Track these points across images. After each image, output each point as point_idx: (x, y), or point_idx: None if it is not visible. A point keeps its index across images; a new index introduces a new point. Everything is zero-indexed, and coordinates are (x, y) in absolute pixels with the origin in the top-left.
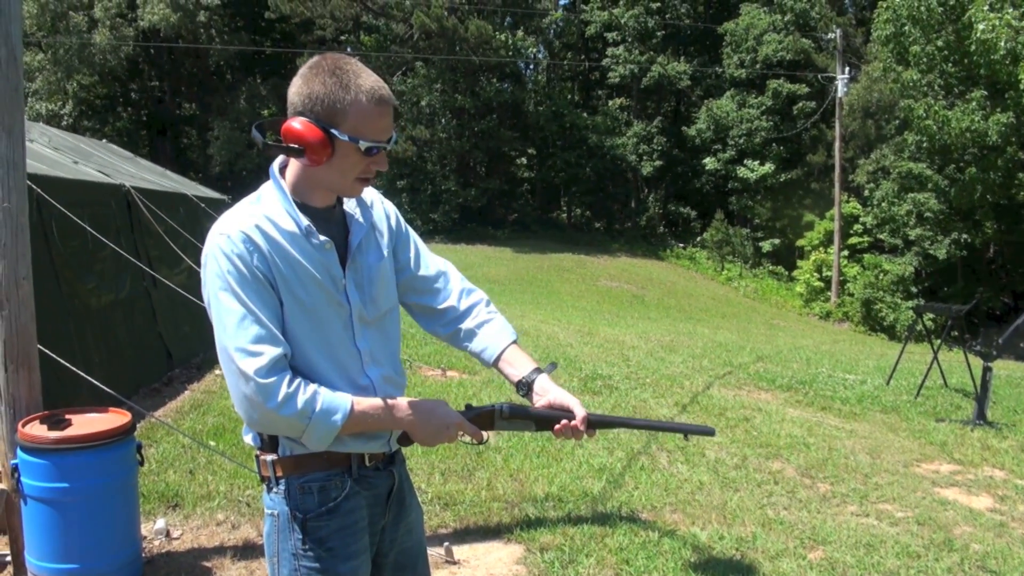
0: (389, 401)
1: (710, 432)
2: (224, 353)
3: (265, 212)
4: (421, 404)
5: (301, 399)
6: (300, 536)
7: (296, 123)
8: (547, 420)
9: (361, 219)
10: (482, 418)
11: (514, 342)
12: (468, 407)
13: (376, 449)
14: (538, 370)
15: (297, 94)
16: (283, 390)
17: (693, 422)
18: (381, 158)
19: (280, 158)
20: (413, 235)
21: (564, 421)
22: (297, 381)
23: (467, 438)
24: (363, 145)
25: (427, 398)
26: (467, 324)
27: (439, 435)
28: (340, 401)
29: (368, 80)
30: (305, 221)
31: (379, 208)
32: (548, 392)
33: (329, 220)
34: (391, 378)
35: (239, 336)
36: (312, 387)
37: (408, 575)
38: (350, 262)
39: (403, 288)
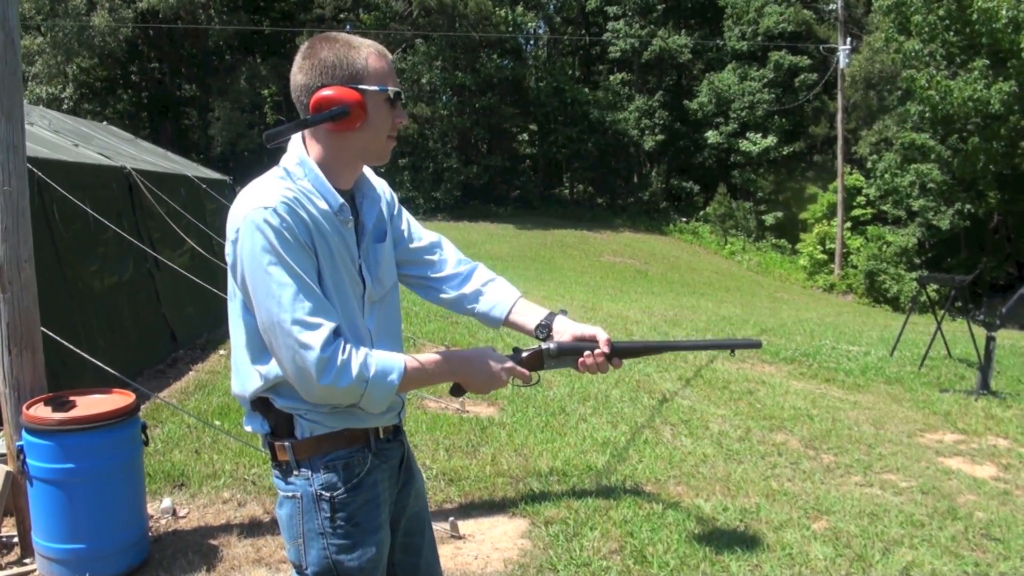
0: (442, 354)
1: (756, 344)
2: (278, 327)
3: (297, 187)
4: (471, 353)
5: (355, 365)
6: (328, 515)
7: (327, 91)
8: (587, 351)
9: (371, 200)
10: (531, 359)
11: (521, 296)
12: (516, 351)
13: (389, 422)
14: (553, 313)
15: (308, 72)
16: (339, 359)
17: (740, 337)
18: (401, 112)
19: (296, 141)
20: (403, 208)
21: (587, 353)
22: (349, 348)
23: (519, 381)
24: (391, 91)
25: (475, 347)
26: (470, 287)
27: (492, 381)
28: (394, 361)
29: (365, 39)
30: (340, 199)
31: (379, 186)
32: (568, 328)
33: (347, 202)
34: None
35: (297, 309)
36: (363, 351)
37: (418, 539)
38: (362, 243)
39: (400, 261)
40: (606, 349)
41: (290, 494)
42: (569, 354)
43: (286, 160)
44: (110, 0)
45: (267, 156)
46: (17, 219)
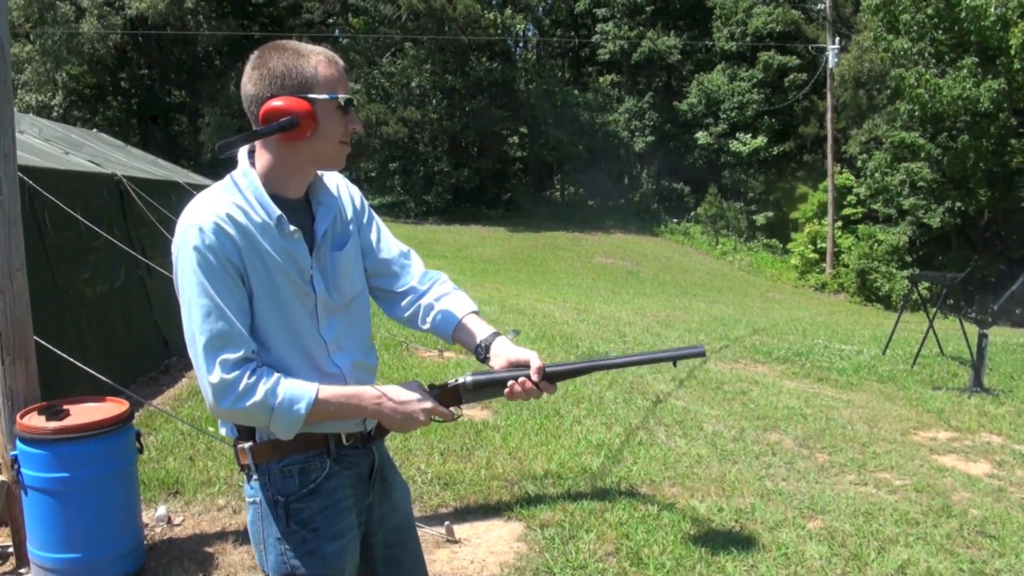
0: (356, 389)
1: (700, 353)
2: (192, 342)
3: (236, 201)
4: (389, 391)
5: (262, 389)
6: (284, 520)
7: (276, 101)
8: (512, 380)
9: (326, 207)
10: (447, 395)
11: (474, 312)
12: (431, 386)
13: (352, 429)
14: (496, 334)
15: (257, 82)
16: (243, 382)
17: (681, 347)
18: (355, 118)
19: (244, 150)
20: (376, 218)
21: (513, 382)
22: (259, 372)
23: (439, 418)
24: (342, 98)
25: (402, 382)
26: (425, 300)
27: (408, 422)
28: (304, 390)
29: (315, 46)
30: (277, 211)
31: (344, 192)
32: (504, 352)
33: (297, 210)
34: (360, 363)
35: (206, 329)
36: (275, 377)
37: (399, 552)
38: (315, 251)
39: (367, 272)
40: (535, 377)
41: (252, 499)
42: (491, 385)
43: (234, 171)
44: (99, 7)
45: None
46: (8, 228)
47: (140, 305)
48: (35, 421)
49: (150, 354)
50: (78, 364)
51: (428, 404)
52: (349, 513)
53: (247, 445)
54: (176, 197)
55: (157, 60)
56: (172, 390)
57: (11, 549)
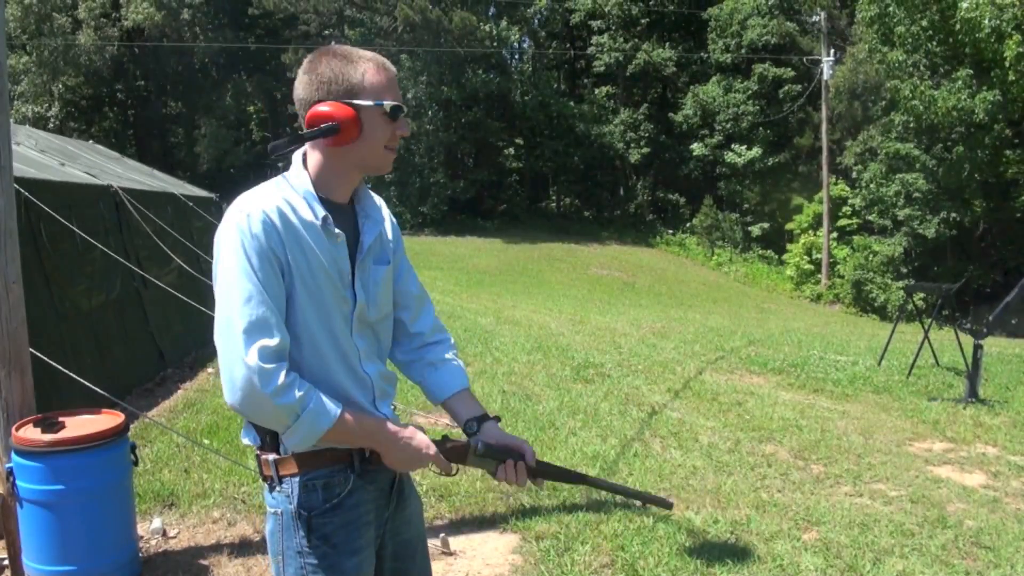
0: (376, 420)
1: (668, 505)
2: (227, 328)
3: (286, 196)
4: (403, 431)
5: (297, 392)
6: (305, 533)
7: (322, 106)
8: (510, 460)
9: (374, 221)
10: (455, 451)
11: (467, 388)
12: (445, 438)
13: None
14: (487, 416)
15: (307, 86)
16: (281, 378)
17: (652, 493)
18: (403, 123)
19: (298, 153)
20: (404, 249)
21: (509, 461)
22: (294, 375)
23: (436, 469)
24: (388, 105)
25: (407, 425)
26: (430, 357)
27: (411, 463)
28: (332, 407)
29: (367, 52)
30: (323, 211)
31: (387, 215)
32: (495, 436)
33: (343, 215)
34: (386, 375)
35: (246, 313)
36: (308, 386)
37: (407, 565)
38: (360, 261)
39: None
40: (531, 463)
41: (274, 510)
42: (493, 456)
43: (288, 171)
44: (96, 19)
45: (253, 173)
46: (4, 239)
47: (136, 317)
48: (30, 433)
49: (146, 366)
50: (74, 376)
51: (433, 451)
52: (368, 528)
53: (271, 456)
54: (172, 209)
55: (153, 72)
56: (167, 402)
57: (6, 561)
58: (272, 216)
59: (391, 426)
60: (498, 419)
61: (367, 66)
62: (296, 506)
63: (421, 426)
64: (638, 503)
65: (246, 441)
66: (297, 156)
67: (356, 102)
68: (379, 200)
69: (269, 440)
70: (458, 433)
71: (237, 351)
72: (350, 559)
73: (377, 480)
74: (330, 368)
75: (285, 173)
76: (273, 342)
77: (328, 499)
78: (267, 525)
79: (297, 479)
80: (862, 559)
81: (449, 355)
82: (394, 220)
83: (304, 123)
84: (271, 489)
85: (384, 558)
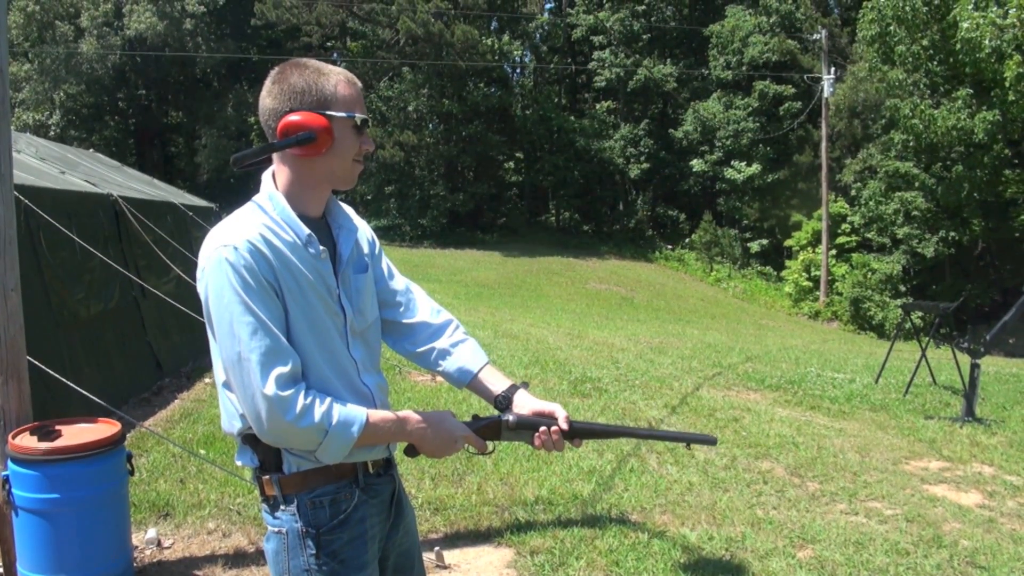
0: (401, 414)
1: (712, 441)
2: (239, 364)
3: (265, 221)
4: (431, 416)
5: (318, 412)
6: (313, 551)
7: (294, 116)
8: (544, 427)
9: (348, 231)
10: (489, 428)
11: (488, 363)
12: (475, 418)
13: (379, 455)
14: (515, 386)
15: (277, 97)
16: (300, 402)
17: (691, 430)
18: (367, 138)
19: (267, 173)
20: (383, 250)
21: (544, 429)
22: (312, 394)
23: (472, 448)
24: (358, 118)
25: (434, 410)
26: (441, 343)
27: (447, 447)
28: (356, 413)
29: (335, 66)
30: (306, 230)
31: (359, 220)
32: (528, 403)
33: (319, 230)
34: (383, 386)
35: (255, 347)
36: (327, 400)
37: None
38: (340, 273)
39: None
40: (565, 426)
41: (276, 529)
42: (527, 428)
43: (258, 195)
44: (98, 27)
45: (253, 183)
46: (4, 247)
47: (134, 326)
48: (27, 441)
49: (143, 375)
50: (71, 384)
51: (465, 432)
52: (373, 542)
53: (274, 477)
54: (172, 218)
55: (155, 81)
56: (164, 412)
57: (1, 570)
58: (257, 244)
59: (418, 413)
60: (526, 384)
61: (338, 78)
62: (304, 524)
63: (449, 411)
64: (683, 445)
65: (240, 463)
66: (266, 176)
67: (329, 112)
68: (348, 208)
69: (270, 460)
70: (485, 408)
71: (255, 384)
72: (359, 573)
73: (379, 493)
74: (330, 387)
75: (256, 197)
76: (287, 368)
77: (335, 515)
78: (269, 545)
79: (304, 497)
80: None
81: (459, 335)
82: (365, 223)
83: (275, 133)
84: (273, 509)
85: (385, 570)
